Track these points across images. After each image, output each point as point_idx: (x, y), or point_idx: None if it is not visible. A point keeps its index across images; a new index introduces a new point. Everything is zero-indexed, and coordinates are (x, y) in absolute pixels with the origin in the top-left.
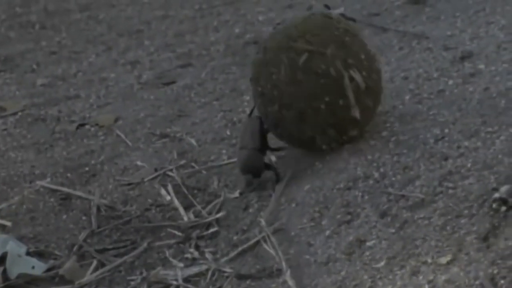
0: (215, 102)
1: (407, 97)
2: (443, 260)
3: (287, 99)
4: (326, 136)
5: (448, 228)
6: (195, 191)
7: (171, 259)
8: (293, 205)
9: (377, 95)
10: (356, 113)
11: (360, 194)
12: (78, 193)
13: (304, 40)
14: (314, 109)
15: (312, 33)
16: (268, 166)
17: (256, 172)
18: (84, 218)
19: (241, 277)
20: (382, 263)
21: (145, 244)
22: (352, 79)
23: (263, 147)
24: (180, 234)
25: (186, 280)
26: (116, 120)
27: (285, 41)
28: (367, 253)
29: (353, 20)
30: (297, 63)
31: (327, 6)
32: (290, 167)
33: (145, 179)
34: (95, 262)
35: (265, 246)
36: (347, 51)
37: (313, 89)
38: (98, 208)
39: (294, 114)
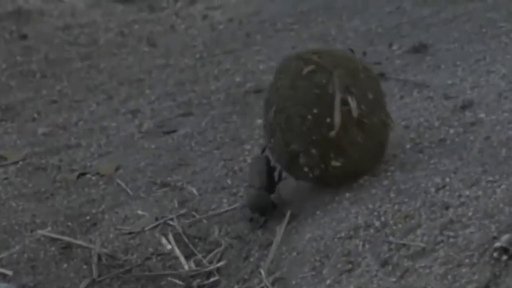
0: (215, 151)
1: (408, 146)
2: None
3: (282, 103)
4: (309, 155)
5: (449, 277)
6: (196, 240)
7: None
8: (294, 254)
9: (373, 137)
10: (336, 119)
11: (361, 243)
12: (79, 242)
13: (317, 56)
14: (301, 117)
15: (328, 54)
16: (275, 205)
17: (263, 211)
18: (85, 267)
19: None
20: None
21: None
22: (346, 103)
23: (271, 185)
24: (181, 283)
25: None
26: (117, 169)
27: (299, 54)
28: None
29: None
30: (301, 71)
31: (351, 50)
32: (290, 208)
33: (146, 228)
34: None
35: None
36: (355, 82)
37: (306, 96)
38: (99, 257)
39: (283, 118)
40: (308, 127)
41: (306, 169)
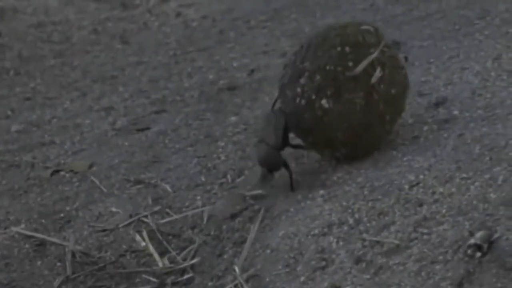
0: (189, 148)
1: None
2: None
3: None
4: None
5: (423, 274)
6: (170, 237)
7: None
8: (268, 251)
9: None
10: (360, 66)
11: (335, 240)
12: (53, 239)
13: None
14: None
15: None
16: (286, 165)
17: (272, 169)
18: (58, 264)
19: None
20: None
21: None
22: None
23: (284, 144)
24: (155, 280)
25: None
26: (91, 166)
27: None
28: None
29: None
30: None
31: (406, 58)
32: (265, 206)
33: (120, 225)
34: None
35: None
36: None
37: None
38: (73, 254)
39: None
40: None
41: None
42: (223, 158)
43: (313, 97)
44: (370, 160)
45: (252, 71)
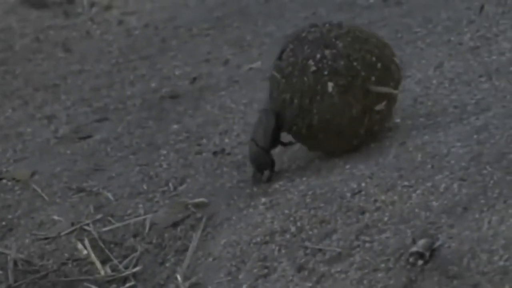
0: (131, 156)
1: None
2: None
3: None
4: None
5: (365, 282)
6: (112, 245)
7: None
8: (210, 259)
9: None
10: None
11: (277, 248)
12: None
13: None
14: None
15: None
16: (273, 164)
17: (261, 169)
18: (0, 272)
19: None
20: None
21: None
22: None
23: (274, 144)
24: None
25: None
26: (33, 174)
27: None
28: None
29: None
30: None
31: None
32: (208, 214)
33: (62, 234)
34: None
35: None
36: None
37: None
38: (15, 263)
39: None
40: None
41: None
42: (165, 166)
43: (324, 78)
44: (313, 167)
45: (195, 79)
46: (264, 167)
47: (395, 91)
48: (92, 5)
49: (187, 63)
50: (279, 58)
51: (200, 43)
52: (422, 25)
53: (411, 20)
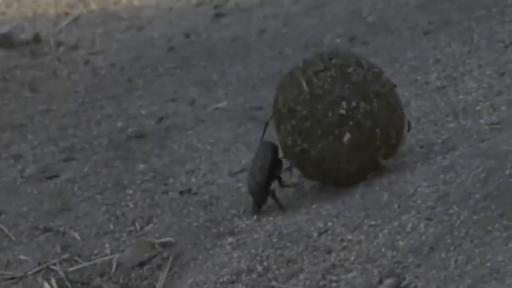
0: (98, 196)
1: (289, 191)
2: None
3: None
4: None
5: None
6: (79, 285)
7: None
8: None
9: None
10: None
11: (243, 287)
12: None
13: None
14: None
15: None
16: (273, 196)
17: (257, 204)
18: None
19: None
20: None
21: None
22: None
23: (272, 178)
24: None
25: None
26: None
27: None
28: None
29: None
30: None
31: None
32: (174, 253)
33: (29, 273)
34: None
35: None
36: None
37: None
38: None
39: None
40: None
41: None
42: (131, 206)
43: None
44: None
45: (161, 118)
46: (260, 202)
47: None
48: (58, 44)
49: (153, 103)
50: (316, 73)
51: (166, 83)
52: (389, 64)
53: (377, 60)
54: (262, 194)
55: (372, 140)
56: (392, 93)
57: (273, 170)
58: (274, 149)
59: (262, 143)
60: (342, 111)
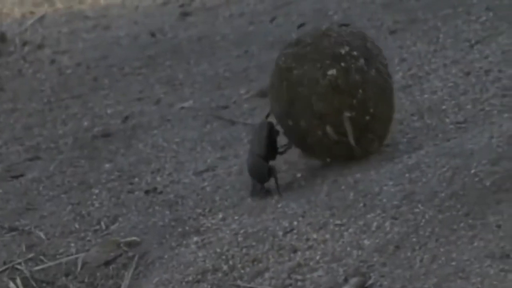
0: (63, 195)
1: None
2: None
3: None
4: None
5: None
6: (44, 284)
7: None
8: None
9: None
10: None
11: (209, 287)
12: None
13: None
14: None
15: None
16: (272, 172)
17: (260, 179)
18: None
19: None
20: None
21: None
22: None
23: (270, 153)
24: None
25: None
26: None
27: None
28: None
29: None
30: None
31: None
32: (139, 252)
33: None
34: None
35: None
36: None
37: None
38: None
39: None
40: None
41: None
42: (97, 205)
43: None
44: (245, 206)
45: (127, 118)
46: (262, 176)
47: (353, 144)
48: (24, 44)
49: (119, 102)
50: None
51: (132, 82)
52: None
53: None
54: (263, 169)
55: (351, 95)
56: (387, 87)
57: (272, 142)
58: (269, 124)
59: (257, 124)
60: (343, 50)
